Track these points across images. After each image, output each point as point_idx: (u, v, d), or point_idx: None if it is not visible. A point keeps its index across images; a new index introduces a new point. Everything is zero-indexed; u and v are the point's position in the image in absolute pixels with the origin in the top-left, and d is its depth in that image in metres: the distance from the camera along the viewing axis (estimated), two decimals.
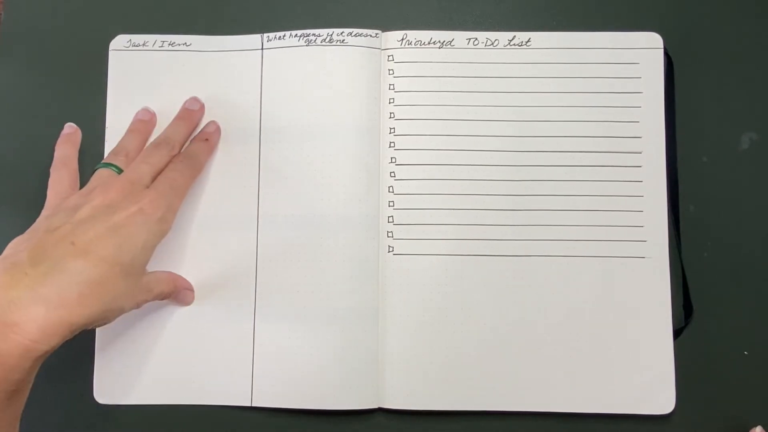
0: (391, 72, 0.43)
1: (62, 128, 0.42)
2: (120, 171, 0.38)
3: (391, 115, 0.42)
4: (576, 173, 0.42)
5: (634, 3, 0.44)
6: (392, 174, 0.42)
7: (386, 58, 0.43)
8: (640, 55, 0.43)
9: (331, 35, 0.42)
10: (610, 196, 0.41)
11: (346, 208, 0.41)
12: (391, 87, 0.42)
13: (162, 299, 0.39)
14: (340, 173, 0.41)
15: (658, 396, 0.40)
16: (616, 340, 0.40)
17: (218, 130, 0.42)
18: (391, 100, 0.42)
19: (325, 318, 0.40)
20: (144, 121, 0.42)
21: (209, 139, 0.41)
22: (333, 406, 0.39)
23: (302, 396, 0.40)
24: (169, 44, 0.43)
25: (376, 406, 0.40)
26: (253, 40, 0.43)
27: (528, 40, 0.43)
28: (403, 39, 0.43)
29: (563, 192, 0.41)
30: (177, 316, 0.41)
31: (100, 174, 0.38)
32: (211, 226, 0.42)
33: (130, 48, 0.43)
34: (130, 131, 0.41)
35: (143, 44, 0.43)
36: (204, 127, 0.42)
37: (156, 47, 0.43)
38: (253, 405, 0.40)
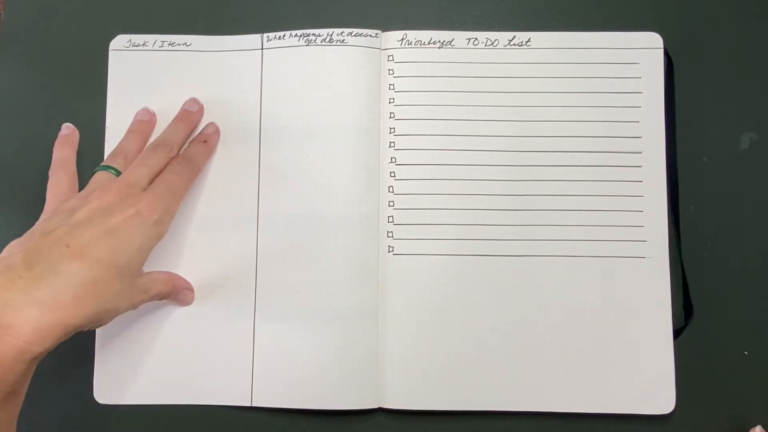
0: (391, 72, 0.43)
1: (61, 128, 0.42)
2: (119, 173, 0.38)
3: (391, 115, 0.42)
4: (576, 173, 0.42)
5: (634, 3, 0.44)
6: (392, 174, 0.42)
7: (386, 58, 0.43)
8: (640, 55, 0.43)
9: (331, 35, 0.42)
10: (610, 196, 0.41)
11: (346, 208, 0.41)
12: (391, 87, 0.42)
13: (160, 299, 0.39)
14: (340, 173, 0.41)
15: (658, 396, 0.40)
16: (616, 340, 0.40)
17: (217, 131, 0.42)
18: (391, 100, 0.42)
19: (325, 318, 0.40)
20: (144, 122, 0.42)
21: (208, 141, 0.41)
22: (333, 406, 0.39)
23: (302, 396, 0.40)
24: (169, 44, 0.43)
25: (376, 406, 0.40)
26: (253, 40, 0.43)
27: (528, 40, 0.43)
28: (403, 39, 0.43)
29: (563, 192, 0.41)
30: (177, 316, 0.41)
31: (99, 177, 0.38)
32: (211, 225, 0.42)
33: (130, 48, 0.43)
34: (129, 132, 0.41)
35: (143, 44, 0.43)
36: (203, 129, 0.42)
37: (156, 47, 0.43)
38: (253, 405, 0.40)
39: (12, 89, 0.44)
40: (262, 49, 0.43)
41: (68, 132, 0.42)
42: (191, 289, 0.41)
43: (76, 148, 0.42)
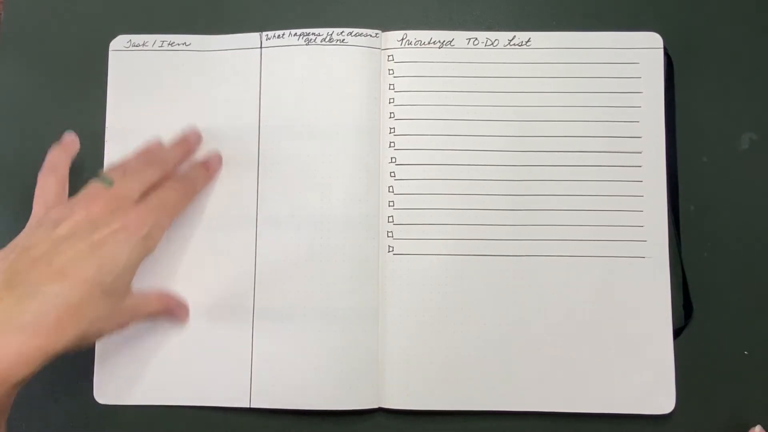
0: (391, 72, 0.43)
1: (62, 128, 0.42)
2: (111, 185, 0.36)
3: (391, 115, 0.42)
4: (576, 173, 0.42)
5: (634, 3, 0.44)
6: (392, 174, 0.42)
7: (386, 58, 0.43)
8: (640, 55, 0.43)
9: (331, 34, 0.42)
10: (610, 196, 0.41)
11: (346, 208, 0.41)
12: (391, 87, 0.42)
13: (153, 319, 0.38)
14: (340, 173, 0.41)
15: (658, 396, 0.40)
16: (616, 340, 0.40)
17: (220, 161, 0.41)
18: (391, 100, 0.42)
19: (325, 318, 0.40)
20: (152, 151, 0.40)
21: (209, 168, 0.41)
22: (333, 406, 0.39)
23: (302, 396, 0.40)
24: (169, 44, 0.43)
25: (376, 406, 0.40)
26: (252, 38, 0.43)
27: (528, 40, 0.43)
28: (403, 39, 0.43)
29: (563, 192, 0.41)
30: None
31: (89, 186, 0.36)
32: (210, 226, 0.42)
33: (130, 48, 0.43)
34: (135, 153, 0.39)
35: (143, 44, 0.43)
36: (207, 155, 0.41)
37: (155, 47, 0.43)
38: (252, 406, 0.40)
39: (12, 89, 0.44)
40: (260, 47, 0.43)
41: (68, 140, 0.40)
42: (186, 307, 0.40)
43: (72, 155, 0.39)
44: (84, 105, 0.43)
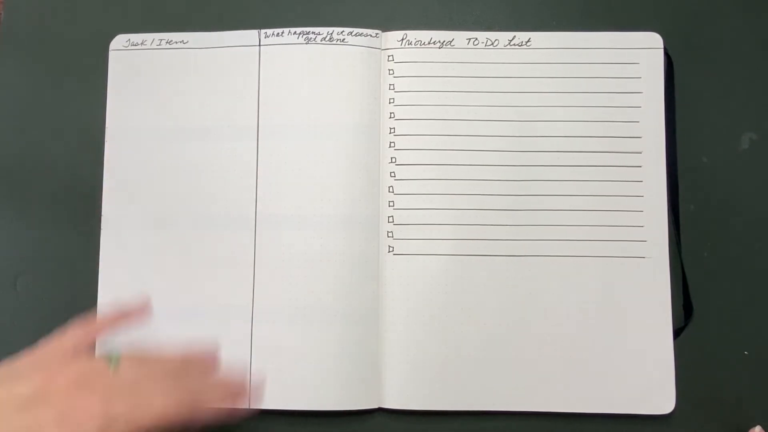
0: (391, 72, 0.43)
1: (62, 128, 0.42)
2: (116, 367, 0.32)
3: (391, 115, 0.42)
4: (576, 173, 0.42)
5: (634, 3, 0.44)
6: (392, 174, 0.42)
7: (386, 58, 0.43)
8: (640, 55, 0.43)
9: (331, 34, 0.42)
10: (610, 196, 0.41)
11: (346, 208, 0.41)
12: (391, 87, 0.42)
13: None
14: (340, 173, 0.41)
15: (658, 396, 0.40)
16: (616, 340, 0.40)
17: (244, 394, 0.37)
18: (391, 100, 0.42)
19: (325, 318, 0.40)
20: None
21: (233, 399, 0.35)
22: (333, 406, 0.39)
23: (301, 397, 0.40)
24: (167, 42, 0.43)
25: (376, 406, 0.40)
26: (250, 36, 0.43)
27: (528, 40, 0.43)
28: (403, 39, 0.43)
29: (563, 192, 0.41)
30: (175, 316, 0.41)
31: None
32: (209, 225, 0.42)
33: (129, 47, 0.43)
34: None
35: (141, 43, 0.43)
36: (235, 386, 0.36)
37: (154, 46, 0.43)
38: (251, 407, 0.40)
39: (12, 89, 0.44)
40: (259, 45, 0.43)
41: (139, 307, 0.36)
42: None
43: (120, 330, 0.36)
44: (84, 105, 0.43)
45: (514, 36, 0.43)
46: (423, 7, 0.44)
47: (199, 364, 0.35)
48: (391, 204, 0.42)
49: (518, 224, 0.41)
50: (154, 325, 0.41)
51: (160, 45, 0.43)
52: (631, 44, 0.43)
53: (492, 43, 0.43)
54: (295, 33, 0.43)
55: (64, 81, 0.44)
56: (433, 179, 0.42)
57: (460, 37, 0.43)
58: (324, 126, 0.42)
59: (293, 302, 0.40)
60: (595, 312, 0.40)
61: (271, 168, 0.42)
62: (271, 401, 0.40)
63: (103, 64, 0.43)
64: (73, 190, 0.43)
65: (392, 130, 0.42)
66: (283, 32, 0.43)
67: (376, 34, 0.43)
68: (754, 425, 0.39)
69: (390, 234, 0.41)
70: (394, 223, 0.41)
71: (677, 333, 0.41)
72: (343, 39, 0.42)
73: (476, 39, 0.43)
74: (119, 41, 0.43)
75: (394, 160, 0.42)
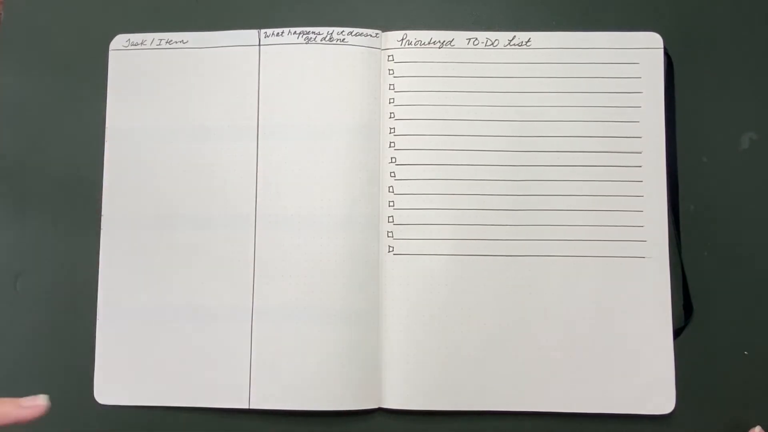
0: (391, 72, 0.43)
1: (62, 128, 0.42)
2: None
3: (391, 115, 0.42)
4: (576, 173, 0.42)
5: (634, 3, 0.44)
6: (392, 174, 0.42)
7: (386, 58, 0.43)
8: (640, 55, 0.43)
9: (331, 34, 0.42)
10: (610, 196, 0.41)
11: (346, 208, 0.41)
12: (391, 87, 0.42)
13: None
14: (340, 173, 0.41)
15: (658, 396, 0.40)
16: (616, 340, 0.40)
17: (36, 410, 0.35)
18: (391, 100, 0.42)
19: (325, 318, 0.40)
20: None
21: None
22: (333, 406, 0.39)
23: (301, 397, 0.40)
24: (167, 42, 0.43)
25: (376, 406, 0.40)
26: (250, 35, 0.43)
27: (528, 40, 0.43)
28: (403, 39, 0.43)
29: (563, 192, 0.41)
30: (176, 317, 0.41)
31: None
32: (209, 225, 0.42)
33: (129, 47, 0.43)
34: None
35: (141, 43, 0.43)
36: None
37: (154, 46, 0.43)
38: (251, 407, 0.40)
39: (12, 89, 0.44)
40: (259, 45, 0.43)
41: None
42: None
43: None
44: (84, 105, 0.43)
45: (514, 36, 0.43)
46: (423, 7, 0.44)
47: None
48: (391, 204, 0.42)
49: (518, 224, 0.41)
50: (154, 325, 0.41)
51: (160, 45, 0.43)
52: (631, 44, 0.43)
53: (492, 43, 0.43)
54: (295, 33, 0.43)
55: (64, 81, 0.44)
56: (433, 179, 0.42)
57: (460, 37, 0.43)
58: (324, 126, 0.42)
59: (293, 302, 0.40)
60: (595, 312, 0.40)
61: (271, 168, 0.42)
62: (271, 401, 0.40)
63: (103, 64, 0.43)
64: (73, 190, 0.43)
65: (392, 130, 0.42)
66: (283, 32, 0.43)
67: (376, 34, 0.43)
68: (754, 425, 0.39)
69: (390, 234, 0.41)
70: (394, 223, 0.41)
71: (677, 333, 0.41)
72: (343, 39, 0.42)
73: (476, 39, 0.43)
74: (119, 41, 0.43)
75: (394, 160, 0.42)
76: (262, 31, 0.43)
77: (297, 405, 0.40)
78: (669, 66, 0.43)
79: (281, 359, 0.40)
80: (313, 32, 0.43)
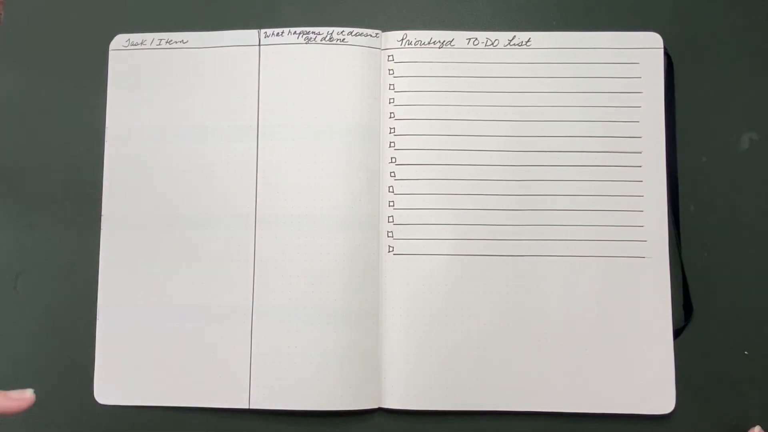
0: (391, 72, 0.43)
1: (62, 128, 0.42)
2: None
3: (391, 115, 0.42)
4: (576, 173, 0.42)
5: (634, 3, 0.44)
6: (392, 174, 0.42)
7: (386, 58, 0.43)
8: (640, 55, 0.43)
9: (331, 33, 0.42)
10: (610, 196, 0.41)
11: (346, 208, 0.41)
12: (391, 87, 0.42)
13: None
14: (340, 173, 0.41)
15: (658, 396, 0.40)
16: (616, 340, 0.40)
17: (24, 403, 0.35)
18: (391, 100, 0.42)
19: (325, 318, 0.40)
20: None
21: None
22: (333, 406, 0.39)
23: (301, 397, 0.40)
24: (167, 42, 0.43)
25: (376, 406, 0.40)
26: (250, 35, 0.43)
27: (528, 40, 0.43)
28: (403, 39, 0.43)
29: (563, 192, 0.41)
30: (176, 317, 0.41)
31: None
32: (209, 225, 0.42)
33: (129, 47, 0.43)
34: None
35: (141, 43, 0.43)
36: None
37: (154, 45, 0.43)
38: (252, 407, 0.40)
39: (12, 89, 0.44)
40: (259, 45, 0.43)
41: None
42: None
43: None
44: (84, 105, 0.43)
45: (514, 36, 0.43)
46: (423, 7, 0.44)
47: None
48: (391, 204, 0.42)
49: (518, 224, 0.41)
50: (154, 325, 0.41)
51: (160, 45, 0.43)
52: (631, 44, 0.43)
53: (492, 43, 0.43)
54: (295, 33, 0.43)
55: (64, 81, 0.44)
56: (433, 179, 0.42)
57: (460, 37, 0.43)
58: (324, 126, 0.42)
59: (293, 302, 0.40)
60: (595, 312, 0.40)
61: (271, 168, 0.42)
62: (271, 401, 0.40)
63: (103, 64, 0.43)
64: (73, 190, 0.43)
65: (392, 130, 0.42)
66: (283, 32, 0.43)
67: (376, 34, 0.43)
68: (754, 425, 0.39)
69: (390, 234, 0.41)
70: (394, 223, 0.41)
71: (677, 333, 0.41)
72: (343, 39, 0.42)
73: (476, 39, 0.43)
74: (119, 41, 0.43)
75: (394, 160, 0.42)
76: (262, 31, 0.43)
77: (297, 405, 0.40)
78: (669, 66, 0.43)
79: (281, 359, 0.40)
80: (313, 32, 0.43)
